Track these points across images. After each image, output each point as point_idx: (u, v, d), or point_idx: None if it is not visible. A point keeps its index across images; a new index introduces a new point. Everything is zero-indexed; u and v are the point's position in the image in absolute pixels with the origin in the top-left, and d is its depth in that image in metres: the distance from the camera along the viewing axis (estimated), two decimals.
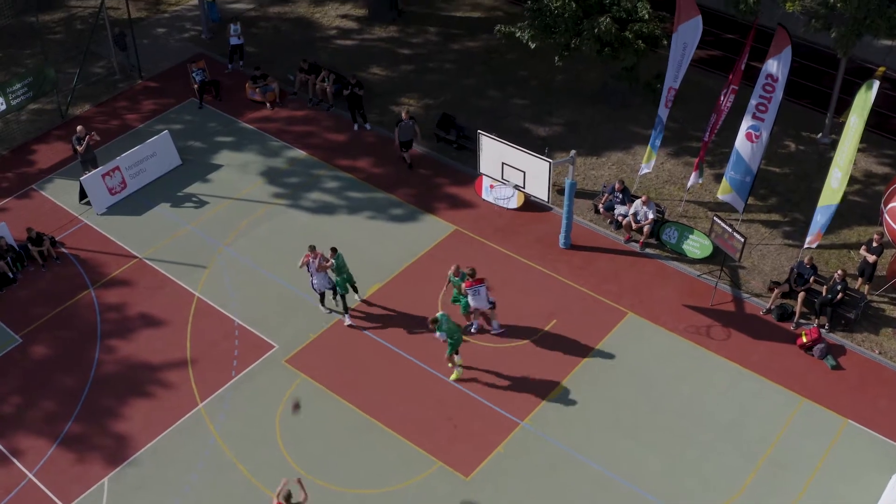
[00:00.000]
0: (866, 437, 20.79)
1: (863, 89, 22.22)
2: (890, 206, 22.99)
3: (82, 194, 26.25)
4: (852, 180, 26.99)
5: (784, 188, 26.95)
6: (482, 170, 23.75)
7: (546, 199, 22.94)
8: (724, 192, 24.85)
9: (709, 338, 23.04)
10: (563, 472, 20.18)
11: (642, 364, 22.39)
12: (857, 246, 24.80)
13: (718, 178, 26.16)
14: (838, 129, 28.87)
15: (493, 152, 22.75)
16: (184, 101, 30.15)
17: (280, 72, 30.89)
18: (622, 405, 21.48)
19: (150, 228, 25.87)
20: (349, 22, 33.86)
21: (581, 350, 22.65)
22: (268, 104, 29.84)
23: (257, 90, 29.86)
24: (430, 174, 27.64)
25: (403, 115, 27.02)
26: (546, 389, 21.82)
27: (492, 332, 22.91)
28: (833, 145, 28.51)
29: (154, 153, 27.10)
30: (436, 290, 23.57)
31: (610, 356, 22.56)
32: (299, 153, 28.34)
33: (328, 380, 22.07)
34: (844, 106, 29.39)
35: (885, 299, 23.77)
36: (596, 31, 24.34)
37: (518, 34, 26.57)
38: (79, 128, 26.55)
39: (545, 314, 23.54)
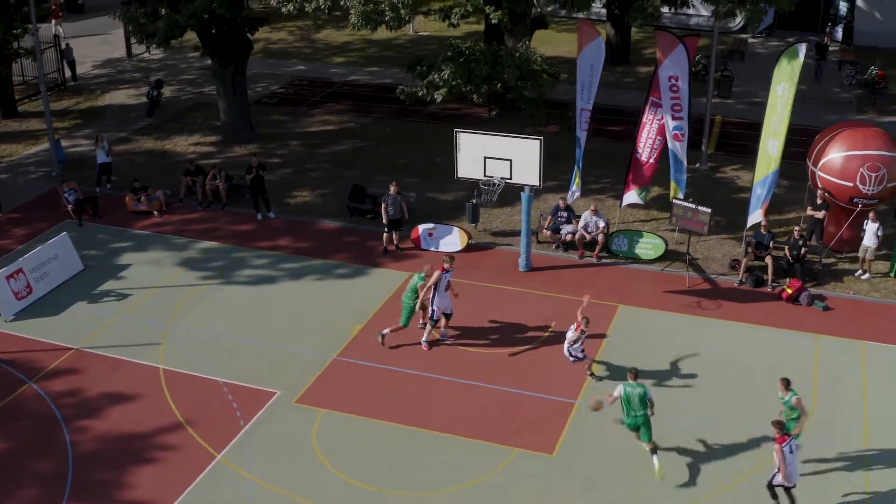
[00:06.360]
0: (888, 350, 21.45)
1: (785, 59, 24.05)
2: (821, 163, 24.63)
3: None
4: (734, 189, 29.05)
5: (695, 202, 28.14)
6: (460, 173, 23.00)
7: (539, 184, 22.49)
8: (675, 193, 25.55)
9: (703, 309, 23.12)
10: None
11: (656, 339, 21.91)
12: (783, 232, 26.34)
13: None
14: (711, 158, 31.30)
15: (473, 149, 22.21)
16: (58, 223, 27.02)
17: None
18: (661, 374, 20.66)
19: (74, 324, 22.38)
20: (205, 146, 32.47)
21: (593, 339, 21.69)
22: (155, 212, 27.47)
23: (141, 199, 27.49)
24: (359, 240, 26.36)
25: (392, 188, 25.36)
26: (580, 373, 20.57)
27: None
28: (712, 170, 30.58)
29: (56, 255, 23.88)
30: (415, 320, 21.96)
31: (623, 338, 21.87)
32: (210, 244, 26.08)
33: (355, 408, 19.59)
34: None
35: (832, 259, 25.12)
36: (517, 54, 25.09)
37: (420, 91, 26.75)
38: None
39: (541, 320, 22.55)
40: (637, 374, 17.84)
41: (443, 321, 21.54)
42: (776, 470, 16.39)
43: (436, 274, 20.83)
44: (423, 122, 34.60)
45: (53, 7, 43.71)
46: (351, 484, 17.54)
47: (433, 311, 21.18)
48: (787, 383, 17.45)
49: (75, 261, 24.49)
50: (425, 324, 21.62)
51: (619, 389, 17.62)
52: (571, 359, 20.11)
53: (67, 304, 23.20)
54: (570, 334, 20.06)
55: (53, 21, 43.08)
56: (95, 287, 23.90)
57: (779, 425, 16.36)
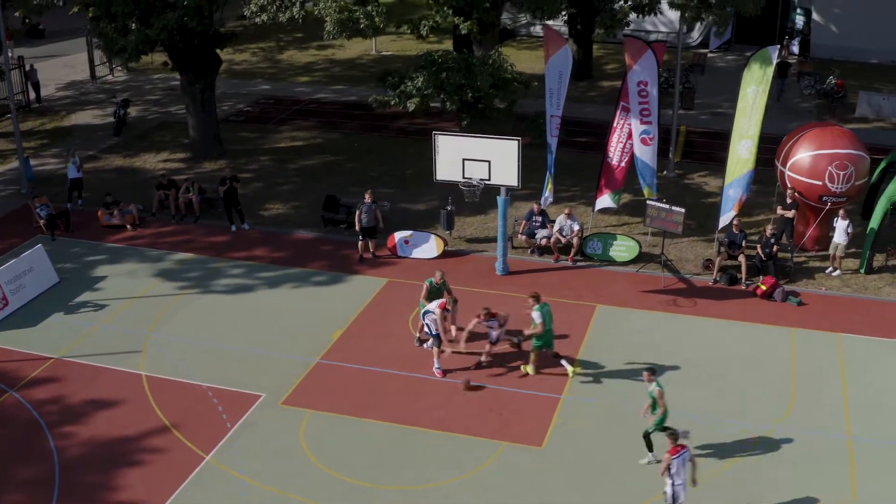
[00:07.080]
0: (861, 341, 21.96)
1: (756, 63, 24.56)
2: (790, 163, 25.16)
3: None
4: (702, 194, 29.55)
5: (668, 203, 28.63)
6: (439, 176, 23.19)
7: (517, 184, 22.72)
8: (650, 196, 25.97)
9: (679, 307, 23.46)
10: (627, 421, 19.04)
11: (637, 335, 22.23)
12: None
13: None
14: (678, 166, 31.83)
15: (451, 151, 22.41)
16: (31, 237, 26.76)
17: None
18: (641, 369, 20.61)
19: (53, 334, 22.18)
20: (175, 163, 32.40)
21: (576, 335, 22.07)
22: (128, 226, 27.32)
23: (114, 214, 27.34)
24: (334, 249, 26.44)
25: (367, 196, 25.40)
26: (564, 368, 20.79)
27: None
28: (680, 177, 31.09)
29: (31, 268, 23.68)
30: (397, 323, 22.51)
31: (605, 335, 22.14)
32: (186, 255, 26.00)
33: (341, 408, 19.60)
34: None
35: (803, 257, 25.64)
36: (491, 60, 25.43)
37: (393, 100, 26.96)
38: None
39: (521, 321, 22.68)
40: (539, 297, 20.35)
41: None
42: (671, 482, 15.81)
43: (438, 311, 20.65)
44: (391, 138, 34.82)
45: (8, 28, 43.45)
46: (343, 480, 17.52)
47: (429, 333, 20.92)
48: (652, 372, 17.72)
49: (50, 273, 24.30)
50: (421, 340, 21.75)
51: (537, 315, 20.09)
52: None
53: (45, 315, 22.98)
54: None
55: (8, 41, 42.77)
56: (72, 298, 23.71)
57: (673, 436, 15.96)
